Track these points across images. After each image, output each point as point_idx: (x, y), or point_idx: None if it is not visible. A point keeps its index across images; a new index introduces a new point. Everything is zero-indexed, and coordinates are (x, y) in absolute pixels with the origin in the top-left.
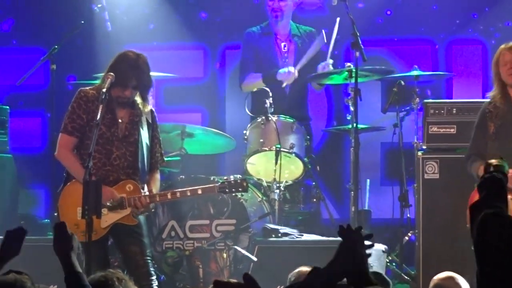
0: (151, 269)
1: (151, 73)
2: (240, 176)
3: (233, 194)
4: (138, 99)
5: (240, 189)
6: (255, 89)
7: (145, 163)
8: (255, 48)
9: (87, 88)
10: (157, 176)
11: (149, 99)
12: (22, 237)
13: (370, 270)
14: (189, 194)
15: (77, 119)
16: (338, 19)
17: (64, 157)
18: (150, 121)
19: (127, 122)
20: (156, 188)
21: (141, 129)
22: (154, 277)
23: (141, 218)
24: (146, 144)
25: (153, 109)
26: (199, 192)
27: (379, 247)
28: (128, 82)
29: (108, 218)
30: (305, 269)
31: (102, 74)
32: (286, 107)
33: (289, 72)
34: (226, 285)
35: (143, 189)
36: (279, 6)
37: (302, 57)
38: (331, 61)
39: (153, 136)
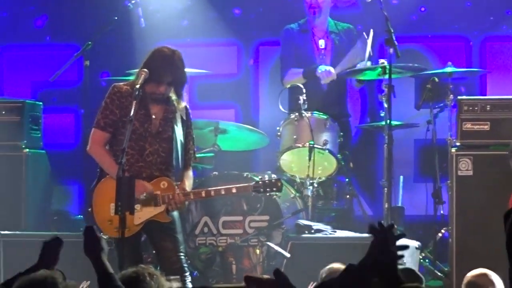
0: (185, 265)
1: (186, 70)
2: (275, 176)
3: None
4: (172, 96)
5: (274, 189)
6: (290, 85)
7: (179, 160)
8: (293, 45)
9: (121, 83)
10: (190, 173)
11: (183, 95)
12: (59, 247)
13: (403, 266)
14: (223, 192)
15: (110, 114)
16: (371, 31)
17: (96, 153)
18: (184, 118)
19: (161, 118)
20: (189, 185)
21: (175, 126)
22: (187, 273)
23: (175, 214)
24: (181, 141)
25: (188, 106)
26: (234, 191)
27: (413, 243)
28: (163, 78)
29: (141, 215)
30: (337, 266)
31: (136, 70)
32: (322, 103)
33: (329, 72)
34: (256, 281)
35: (177, 186)
36: (317, 2)
37: (339, 54)
38: (369, 63)
39: (187, 133)
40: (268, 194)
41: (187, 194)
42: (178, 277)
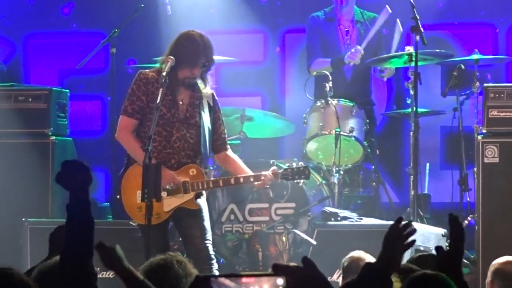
0: (211, 252)
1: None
2: (302, 163)
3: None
4: (198, 81)
5: (302, 176)
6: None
7: (207, 147)
8: (319, 33)
9: (147, 70)
10: (233, 154)
11: (209, 80)
12: (84, 168)
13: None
14: (252, 180)
15: (137, 100)
16: (398, 20)
17: (124, 139)
18: (211, 104)
19: (187, 104)
20: (242, 163)
21: (202, 112)
22: (214, 261)
23: (202, 201)
24: (208, 128)
25: (214, 93)
26: (262, 178)
27: (439, 231)
28: (197, 61)
29: (171, 202)
30: (357, 254)
31: (161, 57)
32: (347, 92)
33: (355, 50)
34: (285, 269)
35: (205, 173)
36: None
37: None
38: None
39: (215, 118)
40: (295, 181)
41: (216, 182)
42: None
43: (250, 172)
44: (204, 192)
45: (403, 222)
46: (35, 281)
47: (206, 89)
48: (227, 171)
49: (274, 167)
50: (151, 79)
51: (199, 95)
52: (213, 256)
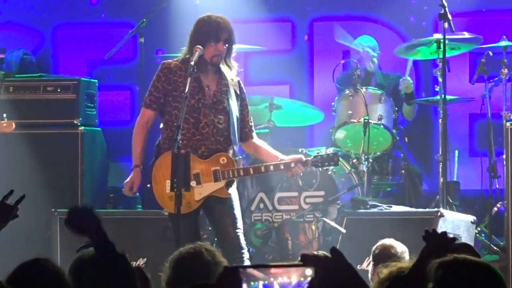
0: (242, 241)
1: (240, 46)
2: (332, 150)
3: (325, 169)
4: (223, 68)
5: (332, 163)
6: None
7: (235, 134)
8: None
9: (170, 60)
10: (260, 141)
11: (233, 63)
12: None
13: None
14: (282, 167)
15: (154, 91)
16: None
17: (134, 131)
18: (238, 92)
19: (215, 89)
20: (271, 149)
21: (230, 100)
22: (245, 250)
23: (233, 190)
24: (236, 116)
25: (240, 80)
26: (292, 165)
27: (468, 218)
28: (220, 34)
29: (202, 191)
30: (388, 242)
31: (184, 48)
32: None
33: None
34: (313, 259)
35: (235, 161)
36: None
37: None
38: (409, 78)
39: (243, 106)
40: (325, 168)
41: (247, 170)
42: None
43: (281, 156)
44: (235, 181)
45: (441, 231)
46: (71, 272)
47: (232, 77)
48: (257, 158)
49: (302, 155)
50: (173, 68)
51: (226, 82)
52: (244, 246)
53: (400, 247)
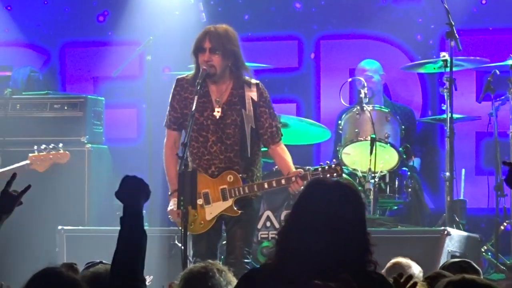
0: (246, 259)
1: (247, 64)
2: (335, 161)
3: None
4: (238, 78)
5: (334, 174)
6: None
7: (247, 148)
8: None
9: (183, 75)
10: (283, 147)
11: (245, 76)
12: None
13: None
14: (284, 183)
15: (172, 111)
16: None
17: (164, 155)
18: (256, 98)
19: (224, 102)
20: (288, 158)
21: (243, 111)
22: (249, 262)
23: (248, 208)
24: (251, 127)
25: (259, 84)
26: (293, 180)
27: (474, 236)
28: (204, 43)
29: (212, 210)
30: (405, 261)
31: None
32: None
33: None
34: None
35: (243, 179)
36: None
37: None
38: None
39: (261, 113)
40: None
41: (251, 187)
42: None
43: (292, 168)
44: (250, 198)
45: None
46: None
47: (250, 84)
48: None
49: (301, 170)
50: (185, 84)
51: (240, 92)
52: (247, 261)
53: (417, 268)
